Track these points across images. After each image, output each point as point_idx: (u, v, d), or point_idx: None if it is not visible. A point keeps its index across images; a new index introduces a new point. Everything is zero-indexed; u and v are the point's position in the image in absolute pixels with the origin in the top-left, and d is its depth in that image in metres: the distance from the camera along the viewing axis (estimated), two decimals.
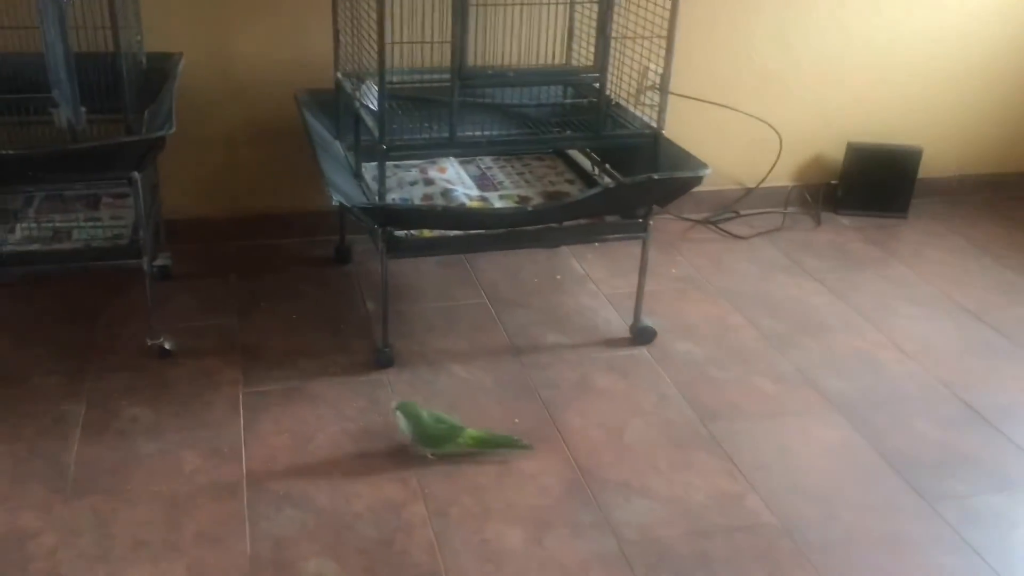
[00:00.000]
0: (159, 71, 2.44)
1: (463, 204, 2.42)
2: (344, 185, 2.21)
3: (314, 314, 2.53)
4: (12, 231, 2.23)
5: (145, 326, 2.29)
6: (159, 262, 2.61)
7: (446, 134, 2.15)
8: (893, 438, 2.13)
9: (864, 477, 2.01)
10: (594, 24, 2.41)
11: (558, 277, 2.80)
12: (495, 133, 2.24)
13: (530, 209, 2.17)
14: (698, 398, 2.24)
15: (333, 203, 2.00)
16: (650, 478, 1.97)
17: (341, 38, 2.49)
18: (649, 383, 2.29)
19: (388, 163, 2.18)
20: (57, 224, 2.28)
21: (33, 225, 2.24)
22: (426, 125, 2.25)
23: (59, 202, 2.38)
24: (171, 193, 2.67)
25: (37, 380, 2.18)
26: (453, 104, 2.05)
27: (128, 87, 2.12)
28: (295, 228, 2.92)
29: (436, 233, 2.20)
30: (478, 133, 2.19)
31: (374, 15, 2.01)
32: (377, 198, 2.13)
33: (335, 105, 2.56)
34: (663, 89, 2.21)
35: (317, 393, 2.19)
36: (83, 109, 2.08)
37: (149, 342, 2.27)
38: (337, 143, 2.58)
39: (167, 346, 2.28)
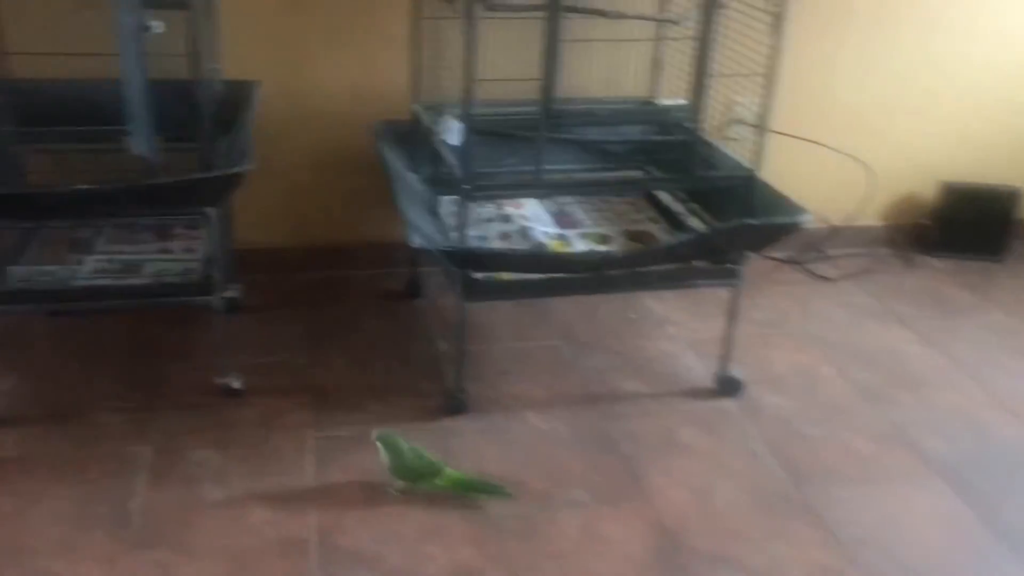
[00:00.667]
0: (235, 99, 2.38)
1: (542, 244, 2.32)
2: (421, 223, 2.13)
3: (385, 352, 2.45)
4: (82, 263, 2.18)
5: (213, 362, 2.23)
6: (228, 294, 2.53)
7: (530, 170, 2.04)
8: (1007, 511, 1.97)
9: (976, 555, 1.85)
10: (682, 57, 2.31)
11: (633, 317, 2.68)
12: (582, 175, 2.14)
13: (620, 255, 2.06)
14: (790, 458, 2.10)
15: (412, 244, 1.91)
16: (741, 548, 1.84)
17: (421, 70, 2.41)
18: (737, 440, 2.16)
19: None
20: (128, 256, 2.23)
21: (104, 257, 2.20)
22: (509, 161, 2.15)
23: (130, 232, 2.34)
24: (242, 222, 2.62)
25: (104, 417, 2.13)
26: (540, 145, 1.95)
27: (204, 117, 2.06)
28: (366, 260, 2.85)
29: (515, 276, 2.10)
30: (563, 175, 2.08)
31: (459, 48, 1.93)
32: (456, 240, 2.03)
33: (412, 137, 2.48)
34: (760, 129, 2.08)
35: None
36: (157, 138, 2.03)
37: (217, 380, 2.20)
38: (413, 176, 2.50)
39: (235, 385, 2.21)
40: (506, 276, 2.10)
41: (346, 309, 2.65)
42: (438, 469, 1.94)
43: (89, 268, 2.16)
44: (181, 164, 2.28)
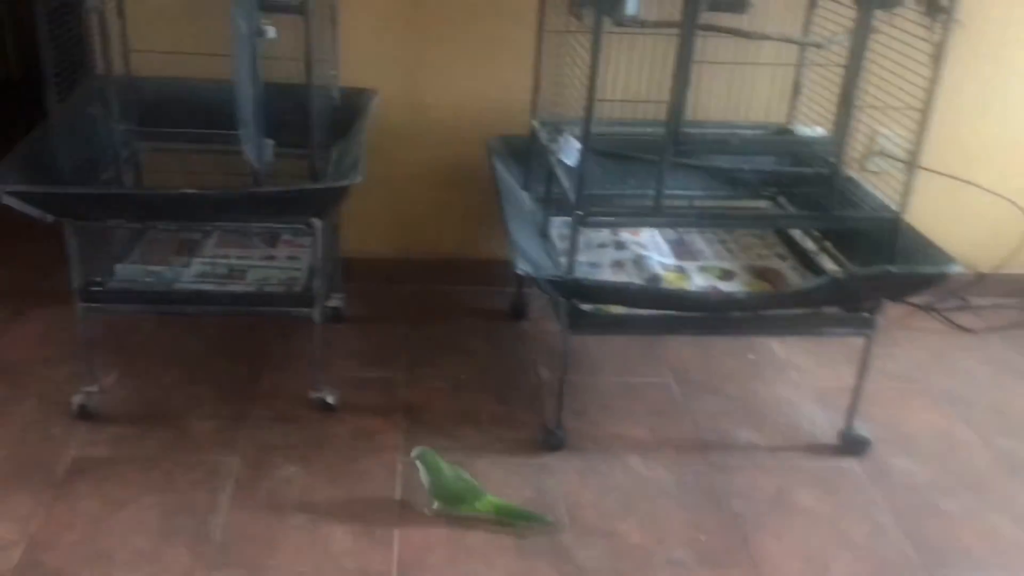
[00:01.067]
0: (350, 106, 2.33)
1: (657, 276, 2.17)
2: (528, 246, 2.01)
3: (483, 376, 2.35)
4: (188, 265, 2.16)
5: (310, 374, 2.17)
6: (332, 303, 2.50)
7: (649, 198, 1.90)
8: None
9: None
10: (823, 83, 2.13)
11: (752, 358, 2.50)
12: (707, 204, 1.98)
13: (745, 297, 1.89)
14: (921, 534, 1.89)
15: (517, 271, 1.80)
16: None
17: (542, 84, 2.30)
18: (861, 507, 1.96)
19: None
20: (233, 261, 2.19)
21: (209, 260, 2.17)
22: (627, 185, 2.02)
23: (240, 236, 2.31)
24: (349, 230, 2.56)
25: (195, 424, 2.09)
26: (662, 171, 1.81)
27: (317, 124, 2.01)
28: (471, 276, 2.75)
29: (627, 310, 1.96)
30: (686, 204, 1.93)
31: (583, 64, 1.81)
32: (564, 268, 1.91)
33: (527, 153, 2.38)
34: (909, 167, 1.88)
35: (481, 472, 1.99)
36: (270, 143, 1.98)
37: (312, 395, 2.14)
38: (525, 194, 2.39)
39: (329, 400, 2.14)
40: (616, 309, 1.96)
41: (447, 327, 2.56)
42: (479, 494, 1.86)
43: (194, 271, 2.13)
44: (293, 170, 2.25)
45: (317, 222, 1.92)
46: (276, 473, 1.96)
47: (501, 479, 1.97)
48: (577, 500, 1.93)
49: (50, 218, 1.87)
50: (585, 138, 1.78)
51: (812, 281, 2.03)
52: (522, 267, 1.78)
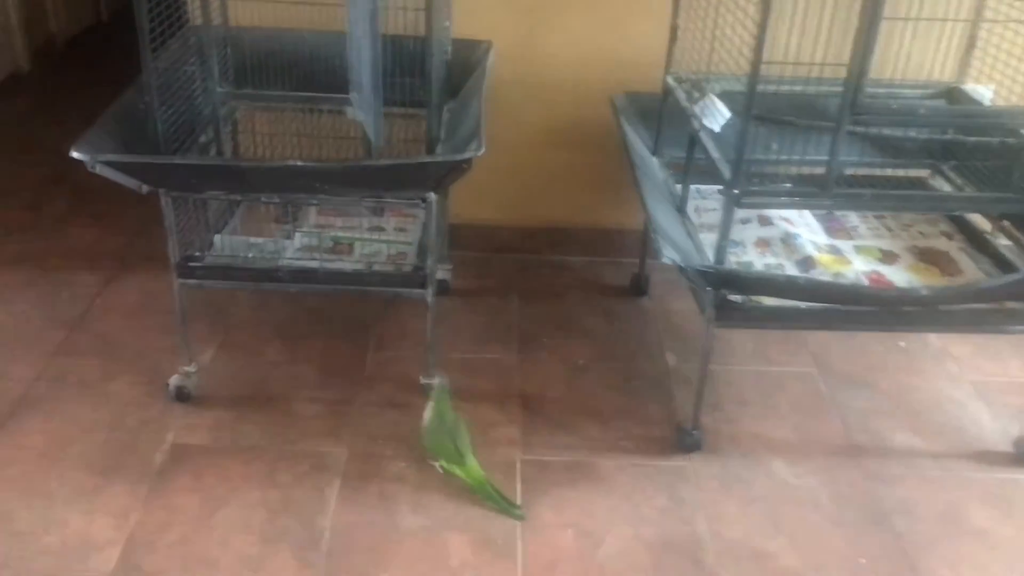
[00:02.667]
0: (462, 61, 2.11)
1: (810, 257, 1.91)
2: (671, 227, 1.78)
3: (603, 360, 2.14)
4: (291, 236, 1.99)
5: (419, 355, 1.99)
6: (439, 275, 2.30)
7: (816, 177, 1.65)
8: None
9: None
10: (1005, 39, 1.83)
11: (902, 344, 2.23)
12: (883, 188, 1.71)
13: (924, 293, 1.63)
14: None
15: (662, 260, 1.58)
16: None
17: (679, 34, 2.03)
18: None
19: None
20: (338, 233, 2.01)
21: (314, 231, 1.99)
22: (786, 157, 1.76)
23: (345, 203, 2.12)
24: (458, 195, 2.36)
25: (299, 407, 1.95)
26: (836, 145, 1.54)
27: (434, 82, 1.79)
28: (589, 246, 2.53)
29: (780, 301, 1.72)
30: (859, 189, 1.67)
31: (743, 16, 1.55)
32: (714, 254, 1.67)
33: (658, 113, 2.12)
34: None
35: (607, 476, 1.80)
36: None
37: (422, 380, 1.97)
38: (654, 160, 2.15)
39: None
40: (769, 300, 1.73)
41: (563, 302, 2.36)
42: (460, 459, 1.74)
43: (298, 244, 1.96)
44: (401, 133, 2.05)
45: (432, 196, 1.72)
46: (386, 468, 1.80)
47: (630, 485, 1.78)
48: (718, 512, 1.73)
49: (145, 188, 1.71)
50: (748, 104, 1.52)
51: (1007, 278, 1.75)
52: (668, 256, 1.56)
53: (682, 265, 1.56)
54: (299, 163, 1.57)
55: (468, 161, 1.60)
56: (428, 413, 1.78)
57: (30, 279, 2.33)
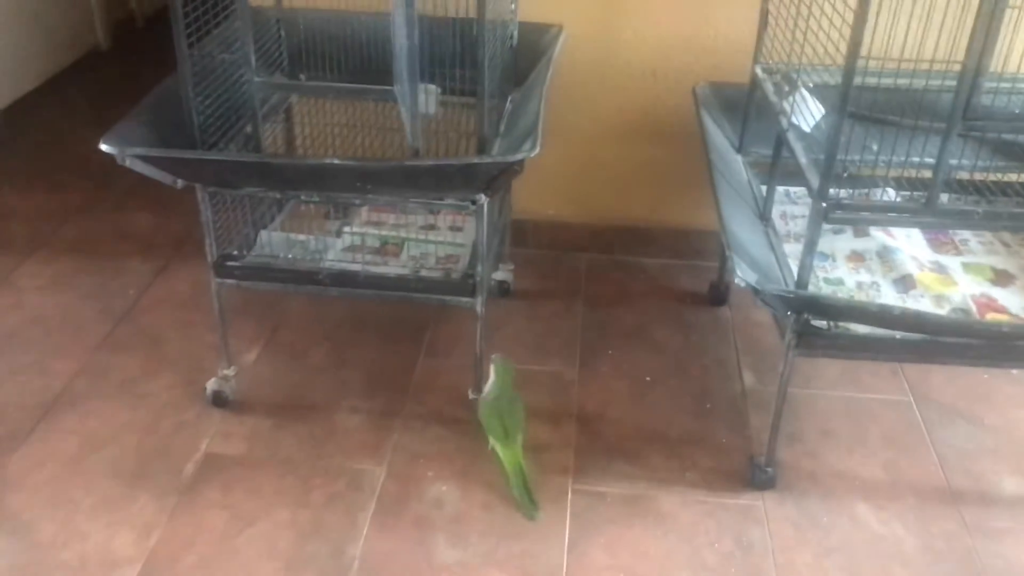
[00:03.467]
0: (531, 46, 1.94)
1: (910, 276, 1.69)
2: (748, 239, 1.59)
3: (673, 377, 1.96)
4: (338, 234, 1.86)
5: (471, 364, 1.84)
6: (498, 276, 2.16)
7: (920, 189, 1.43)
8: None
9: None
10: None
11: (1014, 372, 1.98)
12: (998, 207, 1.48)
13: None
14: None
15: (736, 281, 1.39)
16: None
17: (770, 19, 1.82)
18: None
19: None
20: (387, 232, 1.88)
21: (362, 231, 1.86)
22: (884, 161, 1.54)
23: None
24: (522, 190, 2.20)
25: (340, 418, 1.83)
26: (942, 160, 1.32)
27: (490, 71, 1.63)
28: (662, 246, 2.34)
29: (872, 329, 1.51)
30: (970, 205, 1.44)
31: (835, 1, 1.34)
32: (797, 276, 1.47)
33: (744, 107, 1.92)
34: None
35: (667, 512, 1.63)
36: (434, 91, 1.63)
37: (471, 395, 1.82)
38: (739, 158, 1.94)
39: None
40: (859, 327, 1.52)
41: (632, 310, 2.18)
42: (504, 439, 1.66)
43: (345, 244, 1.84)
44: (464, 124, 1.90)
45: (482, 198, 1.56)
46: (426, 491, 1.66)
47: (692, 525, 1.60)
48: (790, 561, 1.54)
49: (180, 183, 1.61)
50: (843, 101, 1.31)
51: None
52: (743, 277, 1.36)
53: (756, 287, 1.37)
54: (336, 161, 1.43)
55: (520, 162, 1.44)
56: (488, 387, 1.72)
57: (82, 266, 2.28)
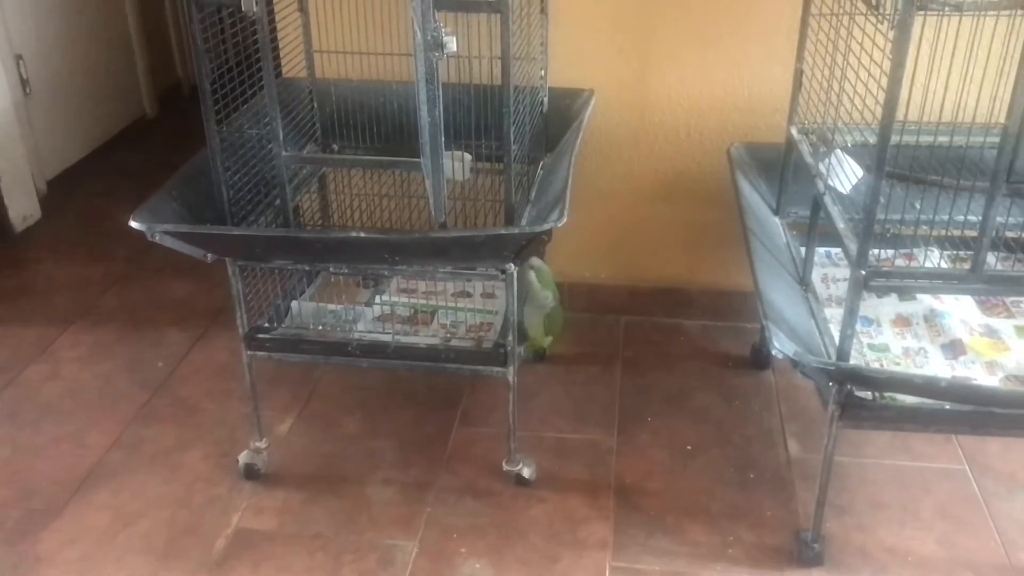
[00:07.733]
0: (562, 111, 1.93)
1: (959, 341, 1.62)
2: (786, 306, 1.53)
3: (716, 446, 1.89)
4: (370, 304, 1.85)
5: (504, 438, 1.80)
6: None
7: (964, 252, 1.37)
8: None
9: None
10: None
11: None
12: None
13: None
14: None
15: (775, 354, 1.34)
16: None
17: (805, 81, 1.78)
18: None
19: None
20: (418, 301, 1.86)
21: (393, 300, 1.85)
22: (926, 224, 1.49)
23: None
24: (557, 252, 2.17)
25: (373, 491, 1.79)
26: (986, 223, 1.27)
27: (518, 137, 1.61)
28: (701, 308, 2.29)
29: (919, 399, 1.44)
30: (1020, 271, 1.38)
31: (869, 61, 1.30)
32: (839, 346, 1.41)
33: (780, 167, 1.88)
34: None
35: None
36: (466, 159, 1.62)
37: (505, 466, 1.78)
38: (777, 220, 1.90)
39: (525, 474, 1.78)
40: (906, 398, 1.45)
41: (672, 374, 2.12)
42: (548, 334, 1.96)
43: (375, 313, 1.82)
44: (491, 188, 1.89)
45: (512, 267, 1.54)
46: (458, 570, 1.62)
47: None
48: None
49: (210, 257, 1.61)
50: (880, 162, 1.27)
51: None
52: (780, 348, 1.32)
53: (795, 359, 1.31)
54: (361, 234, 1.42)
55: (548, 232, 1.41)
56: (536, 281, 1.89)
57: (122, 335, 2.30)
